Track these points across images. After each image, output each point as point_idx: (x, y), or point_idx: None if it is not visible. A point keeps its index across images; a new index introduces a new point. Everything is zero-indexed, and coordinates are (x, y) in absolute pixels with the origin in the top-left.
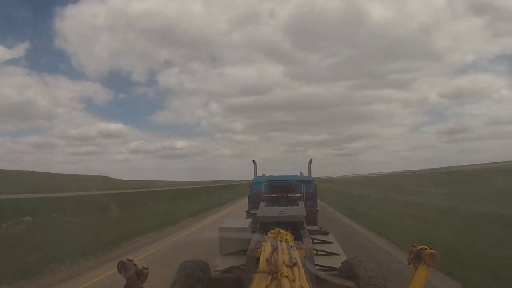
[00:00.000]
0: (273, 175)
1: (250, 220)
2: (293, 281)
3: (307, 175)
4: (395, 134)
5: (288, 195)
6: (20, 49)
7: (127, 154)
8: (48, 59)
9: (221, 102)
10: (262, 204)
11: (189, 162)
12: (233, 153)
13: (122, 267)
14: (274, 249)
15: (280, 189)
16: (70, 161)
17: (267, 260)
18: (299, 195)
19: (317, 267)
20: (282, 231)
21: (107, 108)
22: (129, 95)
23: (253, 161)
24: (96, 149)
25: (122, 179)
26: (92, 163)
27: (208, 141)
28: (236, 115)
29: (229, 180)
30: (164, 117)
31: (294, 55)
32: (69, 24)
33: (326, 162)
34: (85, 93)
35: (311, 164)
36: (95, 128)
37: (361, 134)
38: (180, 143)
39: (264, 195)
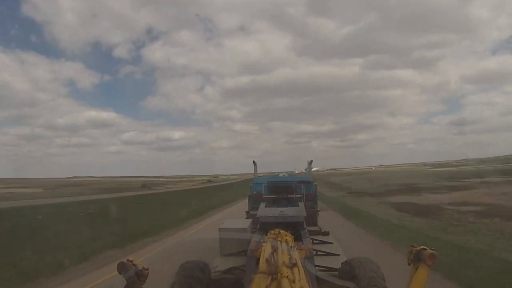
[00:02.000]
0: (273, 176)
1: (250, 220)
2: (293, 281)
3: (307, 173)
4: (407, 124)
5: (288, 196)
6: None
7: (120, 145)
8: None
9: (217, 85)
10: (262, 204)
11: (186, 155)
12: (231, 145)
13: (122, 268)
14: (274, 250)
15: (280, 190)
16: (60, 154)
17: (267, 260)
18: (299, 196)
19: (317, 268)
20: (282, 231)
21: (91, 91)
22: (115, 77)
23: (254, 162)
24: (87, 141)
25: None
26: (84, 156)
27: (204, 131)
28: (234, 100)
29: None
30: (156, 104)
31: (305, 22)
32: None
33: (329, 155)
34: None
35: (311, 164)
36: (82, 117)
37: (370, 124)
38: (176, 134)
39: (264, 196)
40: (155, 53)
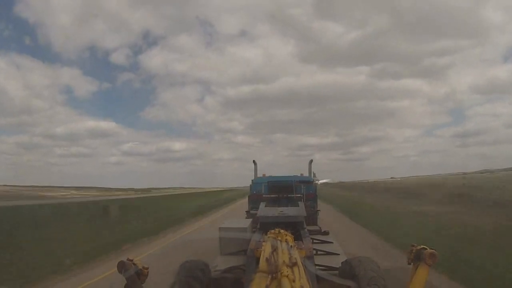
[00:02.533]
0: (273, 175)
1: (250, 220)
2: (293, 281)
3: (307, 175)
4: (412, 136)
5: (288, 195)
6: None
7: (119, 156)
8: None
9: (218, 94)
10: (262, 204)
11: (187, 166)
12: (233, 157)
13: (122, 267)
14: (274, 249)
15: (281, 190)
16: (59, 164)
17: (267, 260)
18: (299, 195)
19: (317, 267)
20: (282, 231)
21: (89, 99)
22: (113, 84)
23: (254, 161)
24: (85, 151)
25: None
26: (83, 167)
27: (205, 143)
28: (234, 111)
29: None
30: (156, 114)
31: (309, 26)
32: None
33: (331, 168)
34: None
35: (311, 164)
36: (80, 127)
37: (374, 136)
38: (177, 145)
39: (264, 196)
40: (154, 61)
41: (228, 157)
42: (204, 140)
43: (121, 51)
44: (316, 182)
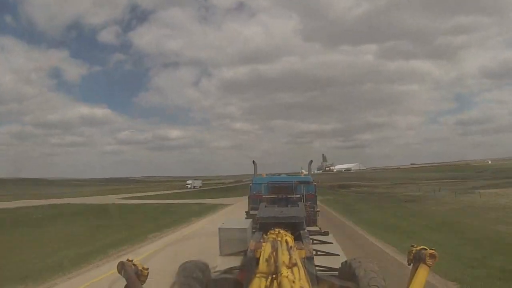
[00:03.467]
0: (273, 176)
1: (250, 220)
2: (293, 281)
3: (308, 174)
4: (421, 123)
5: (288, 196)
6: None
7: (114, 144)
8: None
9: (213, 76)
10: (262, 204)
11: (183, 155)
12: (230, 145)
13: (122, 268)
14: (274, 250)
15: (280, 190)
16: (55, 153)
17: (267, 260)
18: (299, 196)
19: (317, 268)
20: (282, 231)
21: (79, 84)
22: (104, 66)
23: (253, 161)
24: (78, 139)
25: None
26: (80, 156)
27: (201, 131)
28: (231, 95)
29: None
30: (149, 99)
31: None
32: None
33: (331, 155)
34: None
35: (311, 164)
36: (68, 113)
37: (380, 122)
38: (173, 133)
39: (264, 196)
40: (145, 39)
41: (226, 144)
42: (200, 127)
43: (113, 33)
44: (331, 167)
